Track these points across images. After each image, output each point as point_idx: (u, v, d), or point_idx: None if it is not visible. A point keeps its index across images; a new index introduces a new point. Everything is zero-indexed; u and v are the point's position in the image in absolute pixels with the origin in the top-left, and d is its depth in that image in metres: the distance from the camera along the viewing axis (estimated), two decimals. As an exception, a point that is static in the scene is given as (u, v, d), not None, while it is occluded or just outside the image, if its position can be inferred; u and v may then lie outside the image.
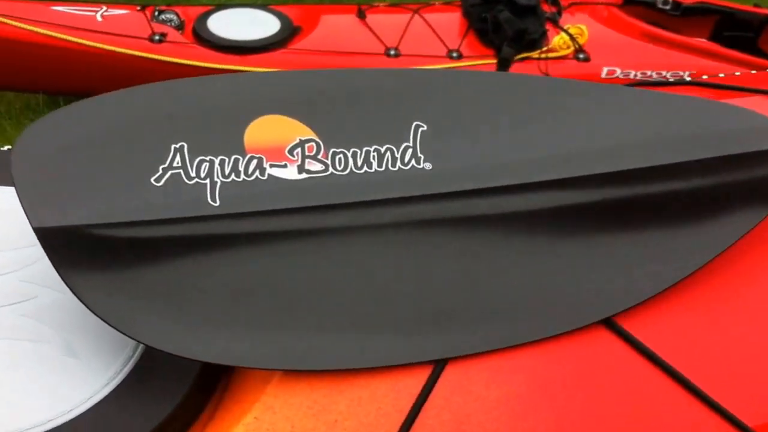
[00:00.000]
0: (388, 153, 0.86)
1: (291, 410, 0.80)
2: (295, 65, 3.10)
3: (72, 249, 0.80)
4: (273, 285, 0.84)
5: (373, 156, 0.86)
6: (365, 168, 0.85)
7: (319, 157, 0.86)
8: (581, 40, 3.28)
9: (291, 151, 0.86)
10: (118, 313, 0.79)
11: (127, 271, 0.81)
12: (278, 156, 0.86)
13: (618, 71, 3.23)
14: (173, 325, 0.80)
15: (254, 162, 0.85)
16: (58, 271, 0.79)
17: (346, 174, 0.85)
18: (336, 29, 3.28)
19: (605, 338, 0.84)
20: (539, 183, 0.87)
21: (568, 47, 3.27)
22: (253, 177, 0.84)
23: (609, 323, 0.85)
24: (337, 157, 0.86)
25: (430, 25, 3.30)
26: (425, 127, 0.89)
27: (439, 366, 0.82)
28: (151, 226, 0.81)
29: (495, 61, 3.23)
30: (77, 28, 2.97)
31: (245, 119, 0.87)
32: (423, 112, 0.90)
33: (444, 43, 3.26)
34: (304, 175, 0.85)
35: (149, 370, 0.84)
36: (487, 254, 0.87)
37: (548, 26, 3.32)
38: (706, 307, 0.85)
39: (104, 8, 3.09)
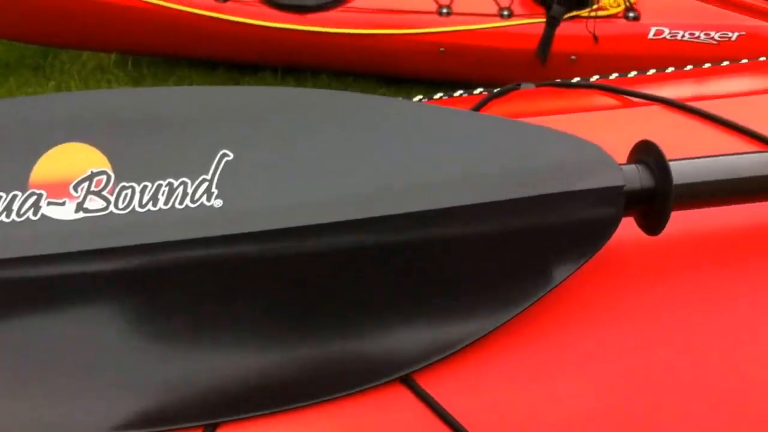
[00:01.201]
0: (181, 187, 0.78)
1: None
2: (351, 24, 3.27)
3: None
4: (19, 345, 0.76)
5: (163, 191, 0.78)
6: (149, 206, 0.77)
7: (104, 193, 0.77)
8: (632, -2, 3.35)
9: (76, 186, 0.77)
10: None
11: None
12: (60, 192, 0.77)
13: (666, 31, 3.29)
14: None
15: (32, 199, 0.76)
16: None
17: (126, 213, 0.76)
18: (392, -14, 3.42)
19: (403, 398, 0.78)
20: (336, 224, 0.78)
21: (618, 5, 3.33)
22: (25, 217, 0.76)
23: (407, 381, 0.78)
24: (123, 193, 0.77)
25: (483, -17, 3.40)
26: (231, 157, 0.80)
27: (208, 430, 0.77)
28: None
29: (545, 19, 3.32)
30: (148, -12, 3.21)
31: (43, 147, 0.79)
32: (235, 138, 0.81)
33: (496, 1, 3.35)
34: (80, 215, 0.76)
35: None
36: (272, 307, 0.80)
37: (601, -16, 3.39)
38: (509, 364, 0.80)
39: (174, -32, 3.31)
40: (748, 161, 0.83)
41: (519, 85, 1.20)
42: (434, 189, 0.79)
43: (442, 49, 3.32)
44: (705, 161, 0.83)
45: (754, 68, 1.29)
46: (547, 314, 0.82)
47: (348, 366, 0.79)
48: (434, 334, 0.80)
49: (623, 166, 0.81)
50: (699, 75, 1.28)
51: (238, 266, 0.79)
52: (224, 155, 0.80)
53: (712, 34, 3.28)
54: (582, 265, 0.81)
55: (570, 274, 0.81)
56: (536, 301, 0.80)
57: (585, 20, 3.31)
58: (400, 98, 0.89)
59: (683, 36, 3.28)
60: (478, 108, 1.11)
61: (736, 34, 3.29)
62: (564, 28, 3.32)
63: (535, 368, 0.80)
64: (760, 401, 0.78)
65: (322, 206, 0.79)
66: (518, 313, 0.80)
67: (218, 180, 0.79)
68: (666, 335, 0.82)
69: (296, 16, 3.26)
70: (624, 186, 0.79)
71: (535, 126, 0.86)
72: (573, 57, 3.34)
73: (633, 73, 1.30)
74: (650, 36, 3.31)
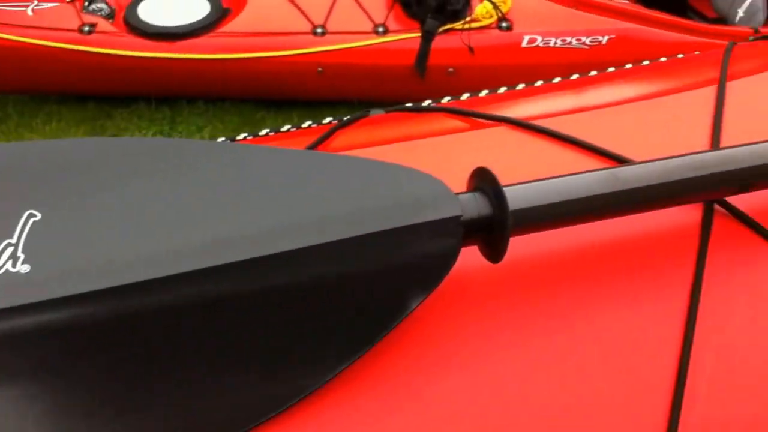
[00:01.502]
0: None
1: None
2: (224, 49, 3.20)
3: None
4: None
5: None
6: None
7: None
8: (504, 8, 3.37)
9: None
10: None
11: None
12: None
13: (539, 39, 3.33)
14: None
15: None
16: None
17: None
18: (264, 9, 3.35)
19: None
20: (154, 281, 0.72)
21: (491, 16, 3.36)
22: None
23: None
24: None
25: (357, 0, 3.37)
26: (38, 217, 0.74)
27: None
28: None
29: (420, 34, 3.32)
30: (8, 24, 3.06)
31: None
32: (42, 196, 0.75)
33: (371, 18, 3.34)
34: None
35: None
36: (91, 374, 0.73)
37: (474, -5, 3.41)
38: (351, 410, 0.77)
39: (35, 2, 3.17)
40: (585, 181, 0.82)
41: (368, 111, 1.18)
42: (264, 235, 0.75)
43: (319, 69, 3.28)
44: (541, 184, 0.81)
45: (602, 80, 1.30)
46: (391, 352, 0.80)
47: (180, 428, 0.74)
48: (273, 386, 0.76)
49: (461, 196, 0.79)
50: (549, 90, 1.29)
51: (51, 335, 0.71)
52: (31, 215, 0.73)
53: (584, 39, 3.34)
54: (424, 299, 0.78)
55: (413, 309, 0.78)
56: (380, 340, 0.77)
57: (459, 33, 3.33)
58: (229, 141, 0.84)
59: (555, 43, 3.33)
60: (324, 138, 1.07)
61: (606, 37, 3.36)
62: (440, 42, 3.32)
63: (378, 410, 0.78)
64: (604, 415, 0.79)
65: (140, 263, 0.73)
66: (361, 356, 0.77)
67: (24, 243, 0.72)
68: (512, 364, 0.81)
69: (166, 44, 3.17)
70: (461, 216, 0.77)
71: (370, 161, 0.83)
72: (451, 70, 3.35)
73: (484, 92, 1.29)
74: (523, 44, 3.34)
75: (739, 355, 0.82)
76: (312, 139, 1.07)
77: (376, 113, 1.19)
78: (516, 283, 0.85)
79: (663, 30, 3.40)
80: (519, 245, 0.81)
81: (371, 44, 3.30)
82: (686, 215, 0.92)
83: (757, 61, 1.38)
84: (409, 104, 1.21)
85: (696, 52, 1.52)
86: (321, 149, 1.05)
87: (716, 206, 0.92)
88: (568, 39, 3.33)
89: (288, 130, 1.18)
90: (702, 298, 0.84)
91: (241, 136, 1.14)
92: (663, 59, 1.42)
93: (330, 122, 1.19)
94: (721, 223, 0.91)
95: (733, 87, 1.16)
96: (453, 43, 3.33)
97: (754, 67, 1.33)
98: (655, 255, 0.89)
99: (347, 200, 0.78)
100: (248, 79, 3.30)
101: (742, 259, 0.90)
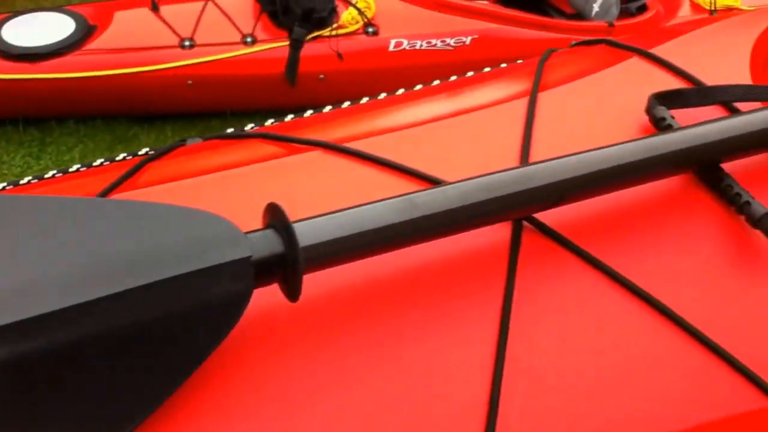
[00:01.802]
0: None
1: None
2: (91, 66, 3.18)
3: None
4: None
5: None
6: None
7: None
8: (369, 13, 3.45)
9: None
10: None
11: None
12: None
13: (405, 43, 3.43)
14: None
15: None
16: None
17: None
18: (130, 24, 3.35)
19: None
20: None
21: (357, 22, 3.43)
22: None
23: None
24: None
25: (224, 12, 3.39)
26: None
27: None
28: None
29: (289, 42, 3.37)
30: None
31: None
32: None
33: (238, 29, 3.36)
34: None
35: None
36: None
37: (339, 2, 3.47)
38: None
39: None
40: (381, 210, 0.80)
41: (184, 140, 1.16)
42: (35, 292, 0.69)
43: (189, 82, 3.29)
44: (335, 217, 0.79)
45: (426, 94, 1.30)
46: (190, 403, 0.77)
47: None
48: None
49: (252, 234, 0.76)
50: (374, 108, 1.28)
51: None
52: None
53: (448, 40, 3.45)
54: (217, 345, 0.75)
55: (206, 357, 0.75)
56: (172, 393, 0.74)
57: (327, 39, 3.39)
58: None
59: (421, 45, 3.43)
60: (133, 172, 1.05)
61: (469, 38, 3.47)
62: (309, 49, 3.38)
63: None
64: None
65: None
66: (154, 410, 0.73)
67: None
68: (316, 404, 0.79)
69: (30, 65, 3.13)
70: (251, 257, 0.73)
71: (155, 205, 0.80)
72: (321, 76, 3.41)
73: (309, 112, 1.28)
74: (391, 48, 3.43)
75: (551, 371, 0.82)
76: (123, 172, 1.04)
77: (193, 142, 1.17)
78: (320, 318, 0.83)
79: (523, 28, 3.54)
80: (323, 278, 0.79)
81: (240, 55, 3.33)
82: (496, 234, 0.90)
83: (570, 69, 1.39)
84: (229, 130, 1.20)
85: (519, 61, 1.57)
86: (130, 183, 1.03)
87: (525, 223, 0.91)
88: (433, 41, 3.44)
89: (101, 163, 1.16)
90: (512, 318, 0.83)
91: (65, 169, 1.14)
92: (487, 69, 1.48)
93: (146, 153, 1.16)
94: (529, 239, 0.91)
95: (544, 98, 1.17)
96: (322, 50, 3.39)
97: (566, 76, 1.33)
98: (466, 277, 0.88)
99: (126, 250, 0.73)
100: (118, 95, 3.28)
101: (550, 275, 0.90)
